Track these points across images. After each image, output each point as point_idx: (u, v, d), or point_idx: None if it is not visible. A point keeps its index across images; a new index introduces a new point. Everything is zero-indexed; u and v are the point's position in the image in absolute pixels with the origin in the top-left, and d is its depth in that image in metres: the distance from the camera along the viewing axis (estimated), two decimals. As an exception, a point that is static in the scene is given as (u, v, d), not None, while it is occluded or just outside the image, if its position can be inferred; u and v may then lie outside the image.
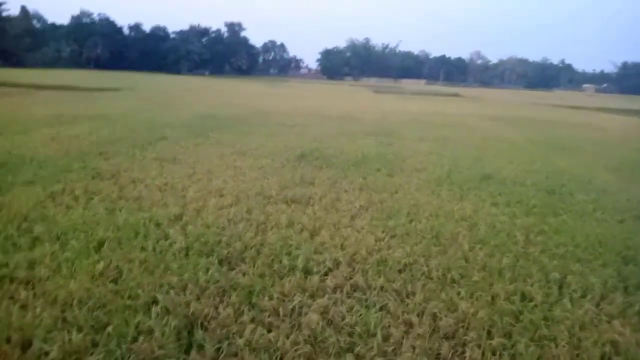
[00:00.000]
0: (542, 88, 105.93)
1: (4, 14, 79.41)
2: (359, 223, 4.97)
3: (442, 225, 5.06)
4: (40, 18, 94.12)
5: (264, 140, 10.36)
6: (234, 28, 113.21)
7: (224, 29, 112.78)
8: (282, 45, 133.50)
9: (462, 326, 3.06)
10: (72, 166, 6.71)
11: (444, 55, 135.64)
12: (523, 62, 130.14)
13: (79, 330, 2.74)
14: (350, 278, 3.65)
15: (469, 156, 9.90)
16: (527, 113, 26.92)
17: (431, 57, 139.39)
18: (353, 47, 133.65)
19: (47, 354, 2.53)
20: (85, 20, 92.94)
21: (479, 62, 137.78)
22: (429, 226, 5.00)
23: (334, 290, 3.44)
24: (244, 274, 3.60)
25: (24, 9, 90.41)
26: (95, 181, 6.03)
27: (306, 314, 3.08)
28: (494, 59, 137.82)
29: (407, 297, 3.41)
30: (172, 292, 3.23)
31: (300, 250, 4.08)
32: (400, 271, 3.84)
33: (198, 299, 3.19)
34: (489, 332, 3.01)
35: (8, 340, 2.61)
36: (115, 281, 3.37)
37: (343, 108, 22.37)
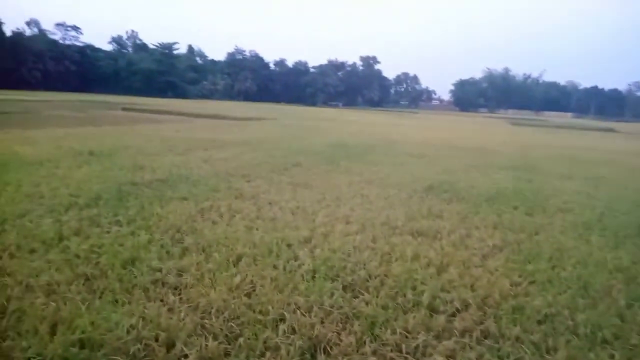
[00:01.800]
0: None
1: (175, 52, 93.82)
2: (491, 264, 4.62)
3: (591, 275, 4.44)
4: (202, 55, 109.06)
5: (391, 170, 10.35)
6: (369, 61, 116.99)
7: (359, 63, 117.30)
8: (414, 77, 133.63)
9: (618, 397, 2.60)
10: (219, 186, 7.49)
11: (595, 87, 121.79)
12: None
13: (215, 338, 2.97)
14: (481, 323, 3.38)
15: (626, 199, 8.60)
16: None
17: (580, 87, 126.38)
18: (490, 77, 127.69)
19: (186, 356, 2.77)
20: (238, 56, 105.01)
21: (639, 93, 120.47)
22: (576, 275, 4.42)
23: (462, 333, 3.21)
24: (367, 303, 3.57)
25: (190, 47, 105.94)
26: (238, 201, 6.62)
27: (431, 354, 2.93)
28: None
29: (548, 352, 3.03)
30: (298, 312, 3.34)
31: (425, 286, 3.92)
32: (539, 322, 3.44)
33: (322, 322, 3.25)
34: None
35: (156, 339, 2.93)
36: (249, 295, 3.61)
37: (476, 140, 21.34)
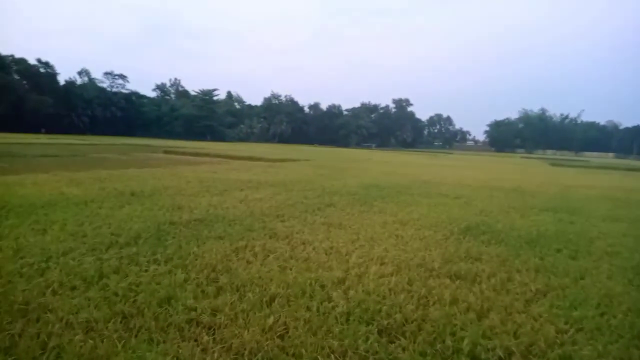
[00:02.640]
0: None
1: (215, 98, 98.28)
2: (535, 309, 4.39)
3: (646, 324, 4.13)
4: (240, 100, 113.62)
5: (426, 211, 10.17)
6: (402, 104, 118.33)
7: (392, 105, 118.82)
8: (448, 118, 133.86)
9: None
10: (254, 226, 7.56)
11: (637, 126, 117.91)
12: None
13: (248, 381, 2.93)
14: (526, 373, 3.18)
15: (682, 242, 8.07)
16: None
17: (621, 127, 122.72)
18: (526, 118, 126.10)
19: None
20: (274, 101, 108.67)
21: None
22: (628, 323, 4.13)
23: (506, 384, 3.03)
24: (403, 349, 3.44)
25: (229, 94, 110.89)
26: (272, 240, 6.65)
27: (472, 405, 2.76)
28: None
29: (602, 408, 2.80)
30: (332, 356, 3.26)
31: (465, 332, 3.75)
32: (591, 374, 3.21)
33: (357, 368, 3.15)
34: None
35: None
36: (282, 337, 3.56)
37: (514, 180, 20.80)
